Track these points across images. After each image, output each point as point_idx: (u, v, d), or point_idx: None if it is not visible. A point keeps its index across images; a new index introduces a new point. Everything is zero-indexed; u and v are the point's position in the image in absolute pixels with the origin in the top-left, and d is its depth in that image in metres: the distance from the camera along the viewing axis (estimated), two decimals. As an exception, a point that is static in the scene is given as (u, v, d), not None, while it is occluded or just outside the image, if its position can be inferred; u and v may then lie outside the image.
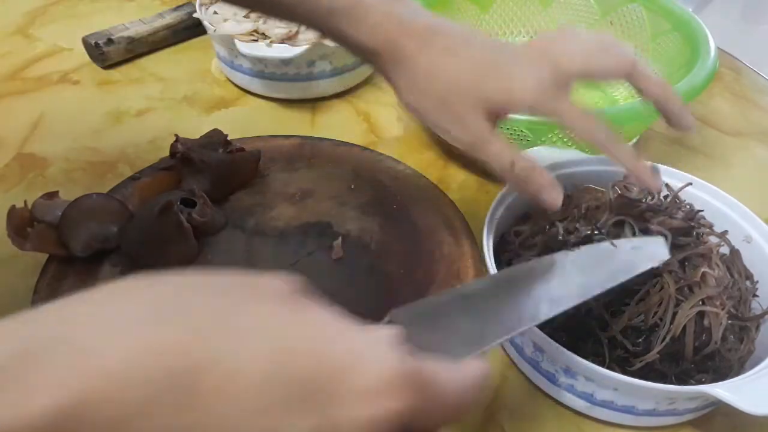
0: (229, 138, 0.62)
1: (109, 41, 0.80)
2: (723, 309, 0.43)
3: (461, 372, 0.24)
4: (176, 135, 0.59)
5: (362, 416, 0.20)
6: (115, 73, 0.82)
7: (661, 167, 0.54)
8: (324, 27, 0.44)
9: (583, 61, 0.42)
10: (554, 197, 0.42)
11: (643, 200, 0.49)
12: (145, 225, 0.52)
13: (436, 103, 0.42)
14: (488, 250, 0.48)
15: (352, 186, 0.61)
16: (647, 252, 0.41)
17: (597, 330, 0.44)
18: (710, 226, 0.50)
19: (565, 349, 0.42)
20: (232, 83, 0.80)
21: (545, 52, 0.42)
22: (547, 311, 0.32)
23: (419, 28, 0.42)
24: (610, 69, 0.43)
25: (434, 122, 0.43)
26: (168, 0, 0.95)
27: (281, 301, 0.25)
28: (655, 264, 0.40)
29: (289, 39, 0.71)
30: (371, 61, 0.44)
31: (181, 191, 0.55)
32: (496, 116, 0.42)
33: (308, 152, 0.65)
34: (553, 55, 0.42)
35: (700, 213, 0.50)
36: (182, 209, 0.53)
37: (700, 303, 0.43)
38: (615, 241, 0.40)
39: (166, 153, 0.61)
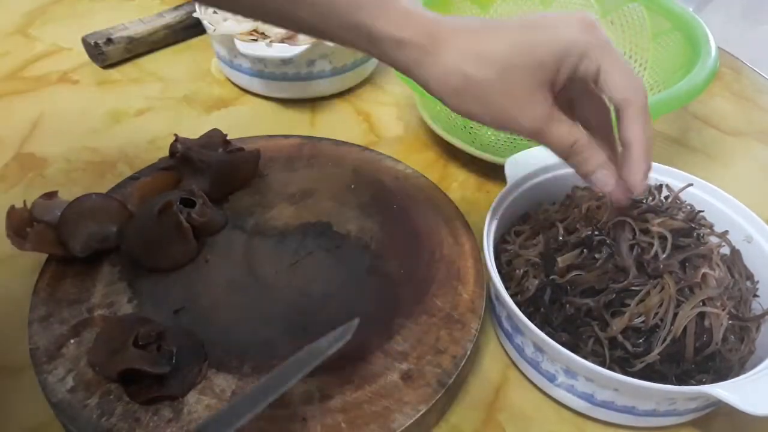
0: (228, 138, 0.62)
1: (109, 41, 0.80)
2: (724, 310, 0.43)
3: None
4: (175, 135, 0.59)
5: None
6: (115, 73, 0.82)
7: (661, 167, 0.54)
8: (337, 23, 0.40)
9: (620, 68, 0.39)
10: (604, 178, 0.41)
11: (644, 201, 0.49)
12: (145, 225, 0.52)
13: (491, 87, 0.39)
14: (488, 250, 0.48)
15: (352, 186, 0.61)
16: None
17: (597, 330, 0.44)
18: (711, 227, 0.50)
19: (565, 349, 0.42)
20: (232, 83, 0.80)
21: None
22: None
23: (442, 19, 0.40)
24: (624, 89, 0.39)
25: (493, 110, 0.40)
26: (168, 0, 0.95)
27: None
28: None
29: (289, 39, 0.71)
30: (394, 56, 0.41)
31: (180, 191, 0.55)
32: (553, 84, 0.39)
33: (308, 152, 0.65)
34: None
35: (701, 213, 0.50)
36: (182, 209, 0.53)
37: (701, 304, 0.43)
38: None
39: (166, 153, 0.61)
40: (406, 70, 0.42)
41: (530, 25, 0.39)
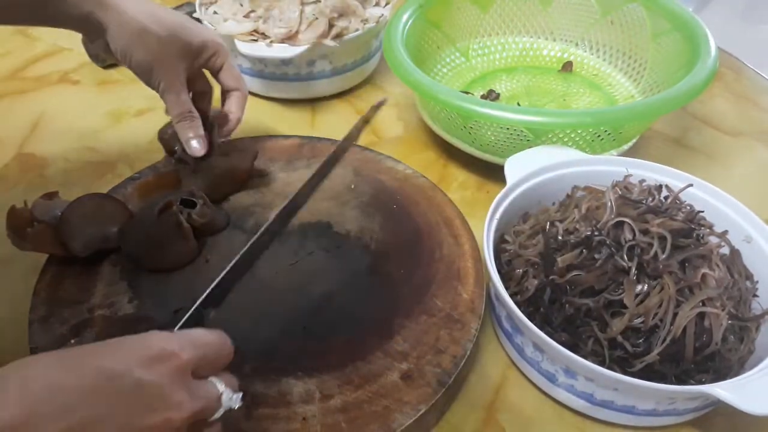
0: (229, 138, 0.62)
1: (109, 41, 0.80)
2: (723, 310, 0.43)
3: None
4: (166, 131, 0.59)
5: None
6: (115, 73, 0.82)
7: (661, 167, 0.54)
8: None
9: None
10: (197, 146, 0.56)
11: (644, 201, 0.49)
12: (145, 225, 0.52)
13: (159, 42, 0.52)
14: (488, 250, 0.48)
15: (352, 186, 0.61)
16: None
17: (597, 331, 0.44)
18: (710, 227, 0.50)
19: (564, 349, 0.42)
20: (232, 83, 0.80)
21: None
22: None
23: None
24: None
25: (151, 59, 0.52)
26: (168, 0, 0.95)
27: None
28: None
29: (289, 39, 0.71)
30: (90, 21, 0.51)
31: (181, 192, 0.55)
32: (191, 66, 0.55)
33: (308, 152, 0.65)
34: None
35: (701, 214, 0.50)
36: (182, 210, 0.53)
37: (701, 304, 0.43)
38: None
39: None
40: (87, 14, 0.51)
41: (182, 17, 0.55)
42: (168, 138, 0.58)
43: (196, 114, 0.56)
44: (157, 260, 0.52)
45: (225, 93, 0.60)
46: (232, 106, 0.59)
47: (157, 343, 0.32)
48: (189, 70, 0.55)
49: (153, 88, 0.55)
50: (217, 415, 0.35)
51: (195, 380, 0.33)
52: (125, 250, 0.52)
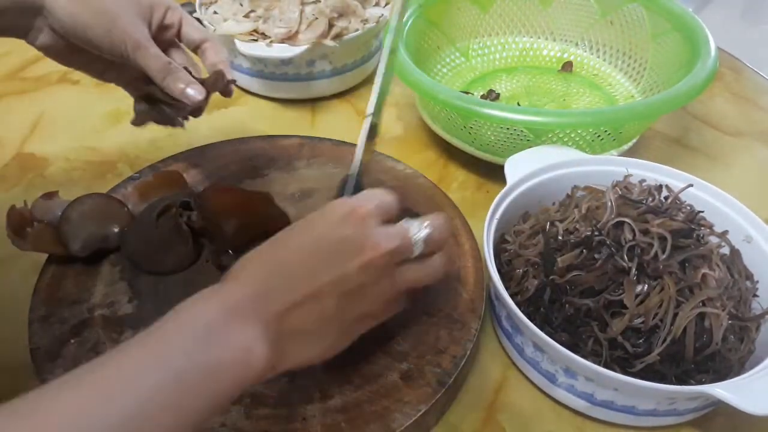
0: (229, 138, 0.62)
1: (109, 41, 0.80)
2: (724, 310, 0.43)
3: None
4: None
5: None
6: (115, 73, 0.82)
7: (661, 167, 0.54)
8: None
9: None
10: (195, 92, 0.50)
11: (644, 201, 0.49)
12: (145, 228, 0.52)
13: (100, 10, 0.47)
14: (488, 250, 0.48)
15: (352, 186, 0.61)
16: None
17: (597, 331, 0.44)
18: (710, 227, 0.50)
19: (565, 349, 0.42)
20: (232, 83, 0.80)
21: None
22: None
23: None
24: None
25: (92, 29, 0.48)
26: (168, 0, 0.95)
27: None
28: None
29: (289, 39, 0.71)
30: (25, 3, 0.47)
31: (181, 194, 0.55)
32: (150, 24, 0.50)
33: (308, 152, 0.65)
34: None
35: (701, 214, 0.50)
36: (182, 212, 0.53)
37: (701, 304, 0.43)
38: None
39: (166, 153, 0.61)
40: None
41: None
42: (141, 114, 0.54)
43: (177, 65, 0.50)
44: (156, 263, 0.52)
45: (196, 49, 0.54)
46: (212, 57, 0.53)
47: (339, 207, 0.38)
48: (149, 29, 0.51)
49: (117, 55, 0.49)
50: (417, 250, 0.39)
51: (384, 225, 0.38)
52: (125, 253, 0.52)
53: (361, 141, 0.49)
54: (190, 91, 0.49)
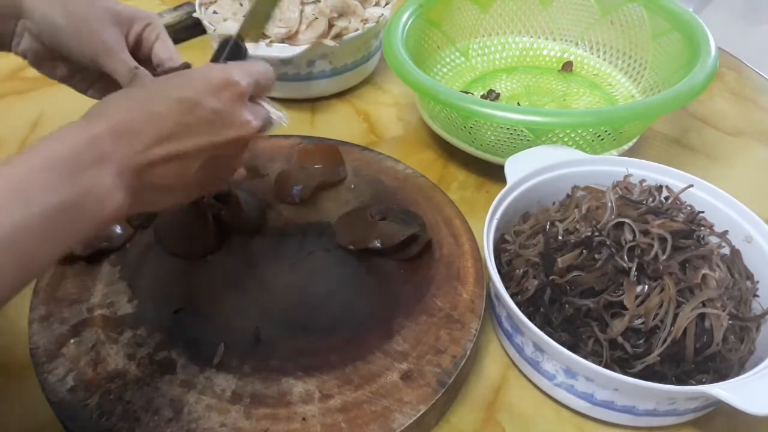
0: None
1: (109, 41, 0.80)
2: (724, 310, 0.43)
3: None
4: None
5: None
6: (115, 73, 0.82)
7: (661, 167, 0.54)
8: None
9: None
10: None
11: (644, 202, 0.49)
12: (173, 211, 0.54)
13: (76, 14, 0.47)
14: (488, 250, 0.48)
15: (352, 186, 0.61)
16: None
17: (597, 331, 0.44)
18: (711, 227, 0.50)
19: (565, 349, 0.42)
20: (232, 83, 0.80)
21: None
22: None
23: None
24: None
25: (63, 31, 0.47)
26: (168, 0, 0.95)
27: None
28: None
29: (288, 39, 0.71)
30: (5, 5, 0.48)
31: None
32: (127, 35, 0.50)
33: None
34: None
35: (701, 214, 0.50)
36: (213, 203, 0.54)
37: (701, 305, 0.43)
38: None
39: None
40: None
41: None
42: None
43: (144, 70, 0.50)
44: (177, 245, 0.54)
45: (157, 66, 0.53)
46: (164, 54, 0.52)
47: (218, 74, 0.39)
48: (126, 40, 0.50)
49: (87, 59, 0.49)
50: (270, 130, 0.43)
51: (252, 103, 0.41)
52: (154, 229, 0.55)
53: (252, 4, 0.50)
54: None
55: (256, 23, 0.51)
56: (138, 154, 0.35)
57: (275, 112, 0.44)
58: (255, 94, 0.42)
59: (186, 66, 0.52)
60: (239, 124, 0.39)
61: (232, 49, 0.47)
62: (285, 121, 0.44)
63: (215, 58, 0.47)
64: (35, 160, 0.33)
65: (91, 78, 0.53)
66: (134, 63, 0.49)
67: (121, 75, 0.49)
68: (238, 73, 0.40)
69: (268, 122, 0.43)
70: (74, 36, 0.48)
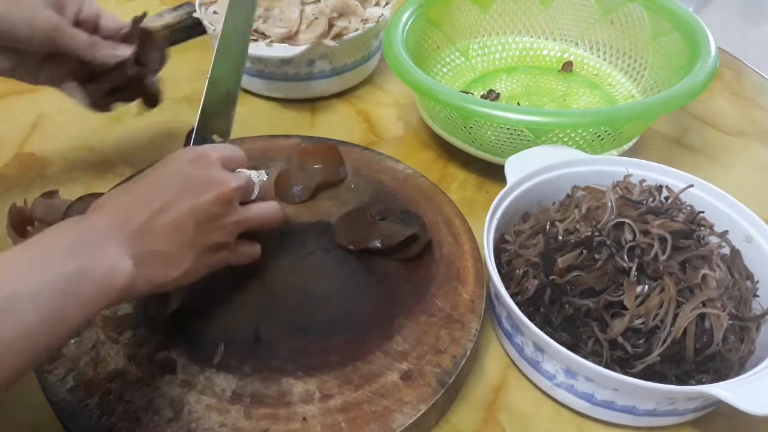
0: (230, 138, 0.62)
1: (109, 41, 0.80)
2: (724, 310, 0.43)
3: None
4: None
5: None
6: (115, 73, 0.82)
7: (661, 167, 0.54)
8: None
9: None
10: (123, 49, 0.54)
11: (644, 202, 0.49)
12: None
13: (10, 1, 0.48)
14: (488, 250, 0.48)
15: (352, 186, 0.61)
16: None
17: (597, 331, 0.44)
18: (711, 227, 0.50)
19: (565, 349, 0.42)
20: (232, 83, 0.80)
21: None
22: None
23: None
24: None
25: (9, 19, 0.48)
26: (168, 0, 0.95)
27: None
28: None
29: (289, 39, 0.71)
30: None
31: None
32: (62, 8, 0.51)
33: (308, 152, 0.65)
34: None
35: (701, 214, 0.50)
36: None
37: (701, 305, 0.43)
38: None
39: (166, 153, 0.60)
40: None
41: None
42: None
43: (100, 38, 0.53)
44: None
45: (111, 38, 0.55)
46: (112, 23, 0.55)
47: (188, 152, 0.44)
48: (70, 18, 0.52)
49: (39, 42, 0.50)
50: (256, 192, 0.47)
51: (228, 171, 0.45)
52: None
53: (203, 97, 0.54)
54: (118, 51, 0.54)
55: (213, 115, 0.54)
56: (131, 228, 0.39)
57: (255, 174, 0.48)
58: (226, 167, 0.45)
59: (138, 21, 0.55)
60: (218, 183, 0.43)
61: (198, 139, 0.52)
62: (265, 176, 0.49)
63: (185, 145, 0.52)
64: (43, 247, 0.35)
65: (36, 66, 0.54)
66: (87, 33, 0.51)
67: (80, 46, 0.51)
68: (206, 148, 0.45)
69: (249, 184, 0.47)
70: (21, 19, 0.49)
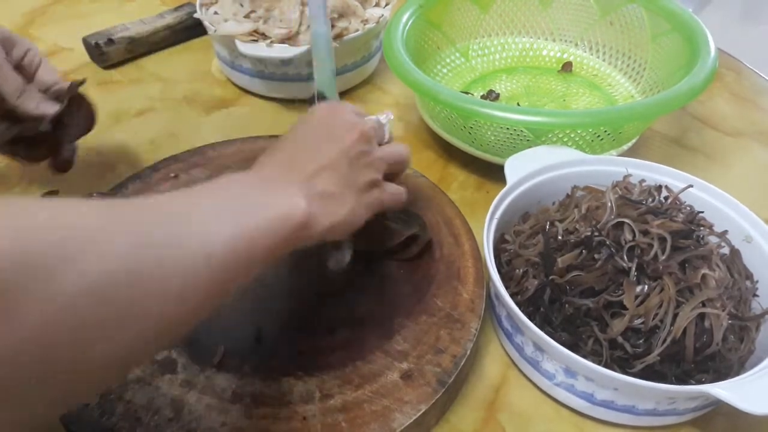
0: (230, 138, 0.62)
1: (110, 41, 0.80)
2: (724, 310, 0.43)
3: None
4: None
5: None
6: (115, 74, 0.82)
7: (661, 167, 0.55)
8: None
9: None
10: (48, 106, 0.53)
11: (644, 202, 0.49)
12: None
13: None
14: (488, 250, 0.48)
15: (352, 186, 0.61)
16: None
17: (597, 331, 0.44)
18: (710, 227, 0.50)
19: (564, 349, 0.42)
20: (232, 83, 0.80)
21: None
22: None
23: None
24: None
25: None
26: (168, 0, 0.95)
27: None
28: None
29: (289, 39, 0.71)
30: None
31: None
32: (10, 49, 0.51)
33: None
34: None
35: (701, 214, 0.50)
36: None
37: (701, 305, 0.43)
38: None
39: (166, 153, 0.61)
40: None
41: None
42: None
43: (32, 87, 0.53)
44: None
45: (45, 92, 0.55)
46: (50, 77, 0.55)
47: (321, 108, 0.49)
48: (12, 62, 0.52)
49: None
50: (387, 134, 0.52)
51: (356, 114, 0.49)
52: None
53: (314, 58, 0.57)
54: (42, 107, 0.53)
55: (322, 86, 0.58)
56: (298, 176, 0.42)
57: (382, 117, 0.52)
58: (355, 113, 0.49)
59: (75, 86, 0.54)
60: (356, 124, 0.46)
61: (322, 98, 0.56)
62: (392, 117, 0.53)
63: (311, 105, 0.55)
64: (223, 187, 0.37)
65: None
66: (21, 79, 0.50)
67: (9, 91, 0.50)
68: (333, 102, 0.52)
69: (379, 122, 0.51)
70: None
